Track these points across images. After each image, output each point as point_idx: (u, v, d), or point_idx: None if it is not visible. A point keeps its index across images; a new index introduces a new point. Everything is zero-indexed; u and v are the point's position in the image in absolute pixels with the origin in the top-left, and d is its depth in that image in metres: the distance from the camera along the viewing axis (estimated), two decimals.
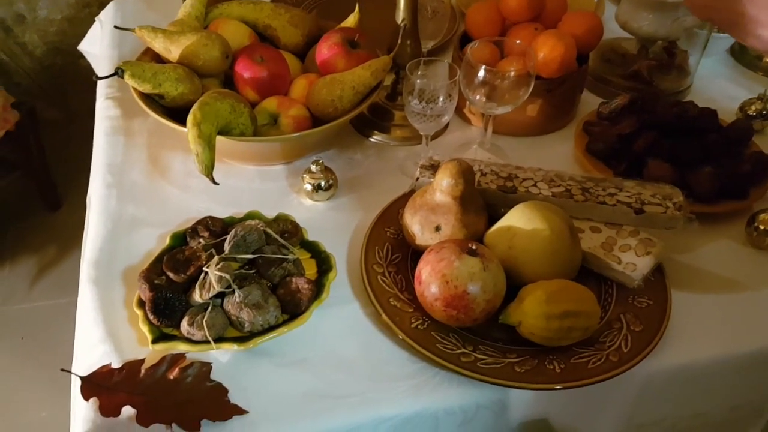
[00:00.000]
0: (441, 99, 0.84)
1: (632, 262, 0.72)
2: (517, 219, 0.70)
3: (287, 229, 0.75)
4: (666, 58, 1.03)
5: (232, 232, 0.71)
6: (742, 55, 1.14)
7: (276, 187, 0.87)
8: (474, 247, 0.66)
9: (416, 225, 0.73)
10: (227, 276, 0.66)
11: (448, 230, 0.71)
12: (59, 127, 1.97)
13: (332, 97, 0.84)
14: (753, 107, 0.97)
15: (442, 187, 0.71)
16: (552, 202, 0.76)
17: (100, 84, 1.02)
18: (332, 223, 0.82)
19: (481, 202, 0.75)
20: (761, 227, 0.79)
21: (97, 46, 1.16)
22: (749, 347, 0.71)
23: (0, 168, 1.69)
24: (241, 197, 0.85)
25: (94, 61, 1.21)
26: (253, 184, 0.87)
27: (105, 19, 1.17)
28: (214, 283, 0.66)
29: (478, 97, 0.86)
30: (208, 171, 0.74)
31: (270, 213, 0.80)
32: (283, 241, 0.73)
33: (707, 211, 0.82)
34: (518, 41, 0.88)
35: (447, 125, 0.97)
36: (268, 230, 0.72)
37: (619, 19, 1.01)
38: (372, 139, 0.96)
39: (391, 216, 0.80)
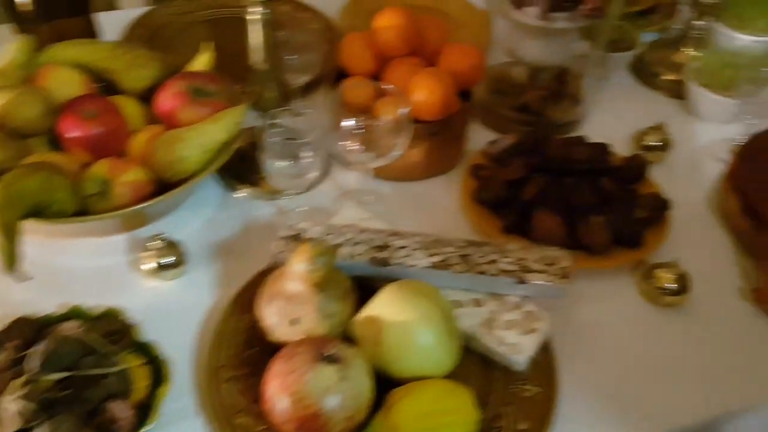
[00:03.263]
0: (306, 155, 0.74)
1: (516, 342, 0.64)
2: (385, 307, 0.61)
3: (115, 329, 0.63)
4: (557, 86, 0.96)
5: (42, 344, 0.58)
6: (641, 72, 1.08)
7: (115, 264, 0.74)
8: (332, 352, 0.56)
9: (273, 317, 0.63)
10: (27, 409, 0.53)
11: (307, 323, 0.61)
12: None
13: (171, 158, 0.72)
14: (649, 138, 0.91)
15: (297, 273, 0.61)
16: (428, 276, 0.67)
17: None
18: (180, 308, 0.70)
19: (348, 284, 0.65)
20: (657, 284, 0.73)
21: None
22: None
23: None
24: (72, 280, 0.72)
25: None
26: (87, 262, 0.74)
27: None
28: (11, 420, 0.53)
29: (350, 148, 0.76)
30: (11, 265, 0.61)
31: (106, 298, 0.68)
32: (105, 350, 0.60)
33: (598, 267, 0.76)
34: (389, 86, 0.78)
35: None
36: (87, 338, 0.60)
37: (504, 46, 0.93)
38: (237, 194, 0.84)
39: (249, 298, 0.68)
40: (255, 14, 0.74)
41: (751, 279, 0.77)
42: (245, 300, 0.69)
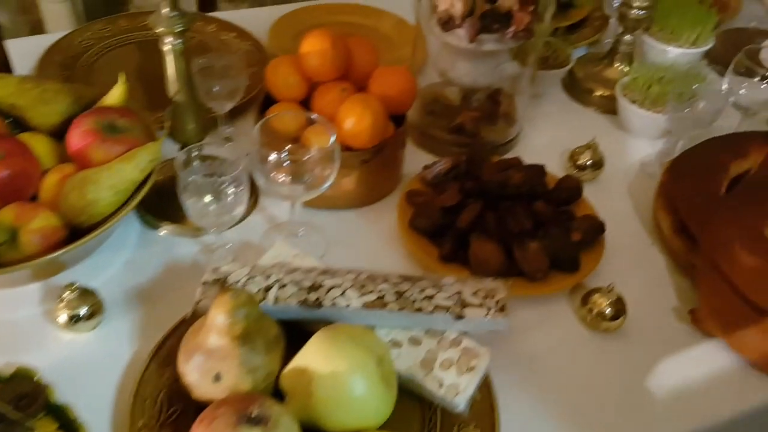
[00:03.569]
0: (231, 191, 0.70)
1: (454, 383, 0.62)
2: (314, 356, 0.58)
3: (26, 391, 0.58)
4: (491, 107, 0.95)
5: None
6: (573, 89, 1.08)
7: (27, 317, 0.69)
8: (256, 412, 0.53)
9: (193, 373, 0.59)
10: None
11: (230, 379, 0.57)
12: None
13: (83, 202, 0.67)
14: (582, 157, 0.91)
15: (217, 326, 0.57)
16: (363, 316, 0.64)
17: None
18: (98, 363, 0.66)
19: (275, 333, 0.61)
20: (595, 310, 0.72)
21: None
22: None
23: None
24: None
25: None
26: None
27: None
28: None
29: (279, 180, 0.73)
30: None
31: (18, 355, 0.64)
32: (15, 417, 0.55)
33: (537, 294, 0.74)
34: (316, 116, 0.75)
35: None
36: None
37: (437, 67, 0.91)
38: (161, 232, 0.80)
39: (171, 350, 0.64)
40: (167, 45, 0.70)
41: (687, 299, 0.77)
42: (167, 352, 0.64)
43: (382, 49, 1.11)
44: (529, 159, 0.88)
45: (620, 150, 0.97)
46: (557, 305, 0.75)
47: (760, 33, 1.23)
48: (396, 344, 0.65)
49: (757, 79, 0.86)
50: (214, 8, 1.84)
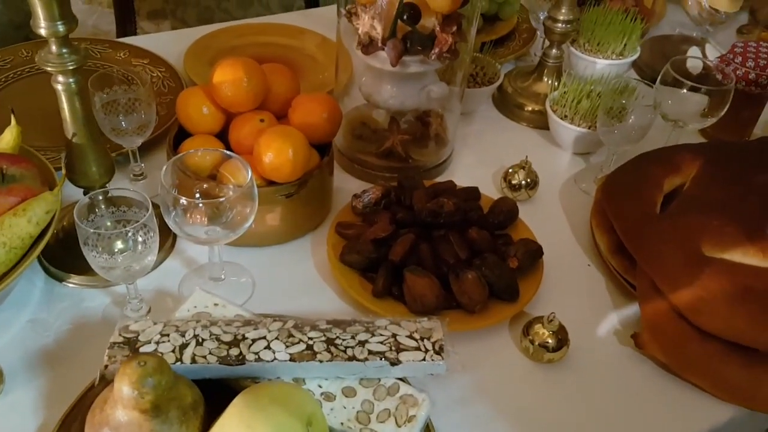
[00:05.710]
0: (140, 239, 0.64)
1: None
2: (235, 426, 0.52)
3: None
4: (420, 128, 0.91)
5: None
6: (504, 105, 1.06)
7: None
8: None
9: None
10: None
11: None
12: None
13: None
14: (516, 177, 0.88)
15: (123, 399, 0.51)
16: (291, 370, 0.59)
17: None
18: None
19: (191, 399, 0.55)
20: (537, 341, 0.69)
21: None
22: None
23: None
24: None
25: None
26: None
27: None
28: None
29: (195, 223, 0.67)
30: None
31: None
32: None
33: (476, 327, 0.71)
34: (225, 152, 0.70)
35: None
36: None
37: (362, 91, 0.87)
38: (70, 284, 0.73)
39: (81, 419, 0.57)
40: (59, 84, 0.63)
41: (628, 321, 0.75)
42: (75, 423, 0.58)
43: (308, 70, 1.07)
44: (462, 180, 0.85)
45: (554, 166, 0.95)
46: (498, 337, 0.72)
47: (686, 40, 1.24)
48: (328, 397, 0.60)
49: (684, 90, 0.86)
50: (134, 26, 1.76)
